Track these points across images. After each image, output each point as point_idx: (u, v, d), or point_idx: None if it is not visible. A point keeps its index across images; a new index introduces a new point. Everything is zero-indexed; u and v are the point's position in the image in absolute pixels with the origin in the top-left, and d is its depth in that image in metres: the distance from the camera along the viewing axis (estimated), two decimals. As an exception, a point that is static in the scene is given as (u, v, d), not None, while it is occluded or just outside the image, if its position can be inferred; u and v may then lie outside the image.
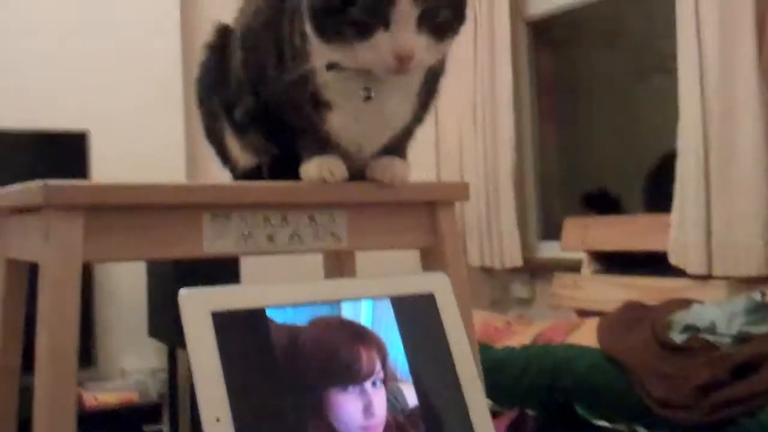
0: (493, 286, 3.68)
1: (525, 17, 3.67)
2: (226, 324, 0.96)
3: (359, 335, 1.04)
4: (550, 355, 2.46)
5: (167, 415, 3.17)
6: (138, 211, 1.03)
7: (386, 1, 0.98)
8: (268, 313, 0.99)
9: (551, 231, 3.60)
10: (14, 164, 2.98)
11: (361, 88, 1.07)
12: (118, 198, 1.02)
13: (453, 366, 1.09)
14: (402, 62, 1.00)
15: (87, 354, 2.94)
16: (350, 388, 1.00)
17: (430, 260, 1.21)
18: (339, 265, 1.40)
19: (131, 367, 3.25)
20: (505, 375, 2.46)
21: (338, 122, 1.10)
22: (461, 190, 1.23)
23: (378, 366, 1.03)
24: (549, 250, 3.57)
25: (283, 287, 1.02)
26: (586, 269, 3.18)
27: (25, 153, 3.00)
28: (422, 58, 1.03)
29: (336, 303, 1.03)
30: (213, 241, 1.07)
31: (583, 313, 3.02)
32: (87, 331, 2.93)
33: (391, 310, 1.07)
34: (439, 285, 1.12)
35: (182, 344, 2.83)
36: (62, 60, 3.16)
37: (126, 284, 3.15)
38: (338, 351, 1.01)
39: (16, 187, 1.09)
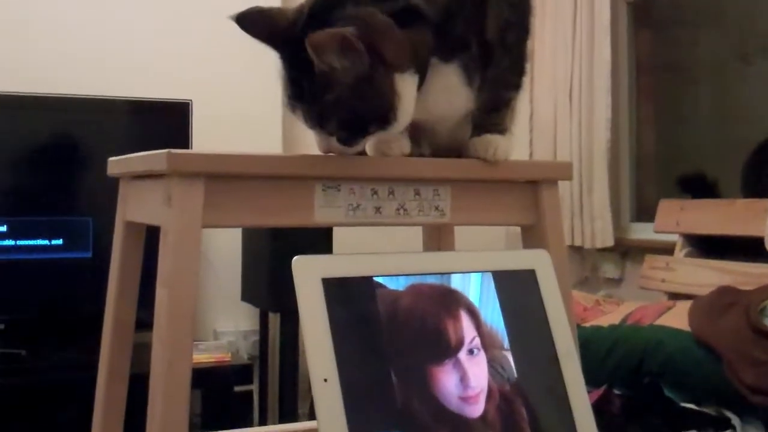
0: (583, 265, 3.66)
1: (626, -3, 3.63)
2: (336, 290, 1.01)
3: (451, 302, 1.07)
4: (638, 335, 2.45)
5: (257, 376, 3.27)
6: (254, 180, 1.08)
7: None
8: (376, 281, 1.04)
9: (644, 212, 3.56)
10: (121, 131, 3.10)
11: None
12: (237, 167, 1.07)
13: (551, 341, 1.11)
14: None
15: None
16: (446, 360, 1.03)
17: (531, 238, 1.23)
18: (438, 239, 1.43)
19: (224, 329, 3.36)
20: (591, 353, 2.46)
21: None
22: (564, 170, 1.25)
23: (472, 332, 1.06)
24: (641, 232, 3.53)
25: (392, 258, 1.06)
26: (679, 252, 3.14)
27: (131, 121, 3.12)
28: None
29: (445, 275, 1.06)
30: (323, 211, 1.11)
31: (674, 296, 2.99)
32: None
33: (493, 284, 1.10)
34: (540, 262, 1.14)
35: (273, 308, 2.90)
36: (167, 32, 3.27)
37: (221, 249, 3.25)
38: (430, 322, 1.04)
39: (140, 155, 1.15)
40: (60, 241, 2.91)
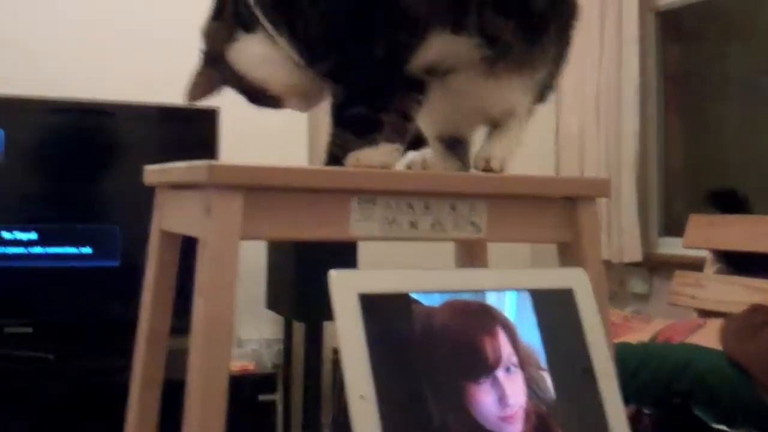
0: (610, 279, 3.63)
1: (654, 8, 3.60)
2: (373, 306, 1.00)
3: (487, 318, 1.06)
4: (668, 353, 2.43)
5: (281, 385, 3.27)
6: (292, 193, 1.08)
7: None
8: (413, 297, 1.03)
9: (672, 227, 3.54)
10: (149, 137, 3.12)
11: None
12: (275, 180, 1.07)
13: (589, 361, 1.10)
14: None
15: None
16: (483, 377, 1.02)
17: (568, 255, 1.22)
18: (471, 255, 1.42)
19: (248, 336, 3.37)
20: (619, 370, 2.43)
21: None
22: (602, 186, 1.24)
23: (509, 349, 1.05)
24: (669, 246, 3.51)
25: (428, 274, 1.06)
26: (709, 268, 3.11)
27: (160, 127, 3.14)
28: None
29: (481, 292, 1.06)
30: (359, 224, 1.11)
31: (704, 313, 2.96)
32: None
33: (530, 303, 1.09)
34: (578, 281, 1.13)
35: (298, 317, 2.90)
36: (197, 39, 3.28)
37: (246, 256, 3.22)
38: (467, 338, 1.04)
39: (179, 165, 1.15)
40: (88, 249, 2.92)
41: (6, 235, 2.85)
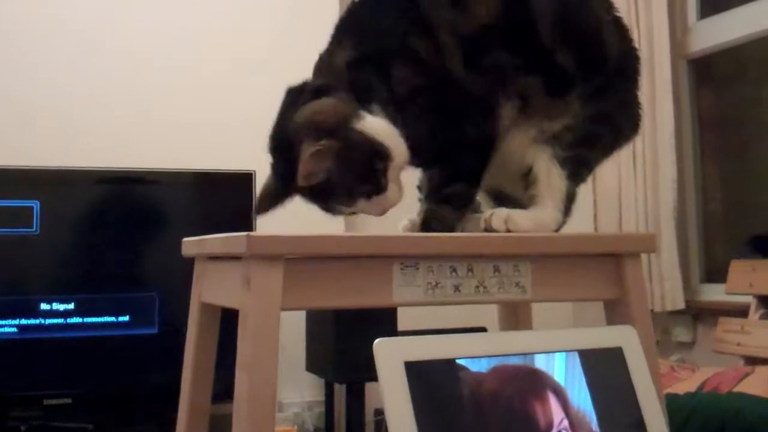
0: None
1: (685, 55, 3.59)
2: (419, 373, 0.98)
3: (537, 383, 1.04)
4: (717, 404, 2.36)
5: (323, 448, 3.23)
6: (333, 261, 1.07)
7: None
8: (459, 364, 1.01)
9: (713, 273, 3.47)
10: (185, 203, 3.13)
11: None
12: (315, 248, 1.06)
13: (642, 422, 1.07)
14: None
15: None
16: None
17: (615, 312, 1.19)
18: (515, 315, 1.40)
19: (289, 399, 3.33)
20: (669, 425, 2.37)
21: None
22: (649, 242, 1.22)
23: (560, 414, 1.02)
24: (712, 293, 3.44)
25: (474, 339, 1.04)
26: (754, 314, 3.04)
27: (196, 192, 3.15)
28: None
29: (529, 356, 1.03)
30: (402, 290, 1.09)
31: (751, 360, 2.89)
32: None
33: (579, 364, 1.06)
34: (626, 339, 1.11)
35: (339, 379, 2.86)
36: (230, 103, 3.32)
37: (285, 318, 3.23)
38: (517, 405, 1.01)
39: (218, 236, 1.15)
40: (126, 318, 2.92)
41: (44, 306, 2.86)
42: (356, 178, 1.16)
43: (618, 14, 1.36)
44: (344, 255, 1.07)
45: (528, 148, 1.24)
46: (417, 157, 1.22)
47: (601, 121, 1.27)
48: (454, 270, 1.12)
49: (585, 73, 1.25)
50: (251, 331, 1.02)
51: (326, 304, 1.09)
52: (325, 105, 1.17)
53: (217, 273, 1.21)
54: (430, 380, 0.99)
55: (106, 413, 2.89)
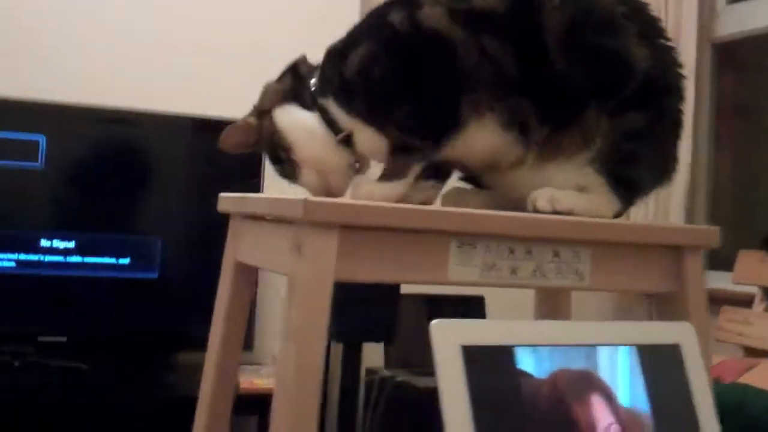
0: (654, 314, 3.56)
1: (711, 39, 3.52)
2: (476, 358, 0.94)
3: (588, 387, 1.00)
4: (719, 395, 2.34)
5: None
6: (388, 233, 1.02)
7: None
8: (517, 352, 0.96)
9: (719, 261, 3.45)
10: (190, 149, 3.05)
11: None
12: (372, 219, 1.00)
13: (696, 422, 1.04)
14: None
15: (247, 338, 2.99)
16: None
17: (670, 306, 1.15)
18: (554, 304, 1.35)
19: (281, 355, 3.29)
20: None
21: None
22: (712, 236, 1.17)
23: (609, 418, 0.99)
24: (716, 280, 3.42)
25: (534, 326, 1.00)
26: (758, 305, 3.03)
27: (201, 139, 3.06)
28: None
29: (591, 347, 0.99)
30: (457, 269, 1.04)
31: (751, 351, 2.88)
32: (249, 316, 2.98)
33: (638, 360, 1.03)
34: (685, 336, 1.06)
35: (336, 338, 2.81)
36: (239, 52, 3.24)
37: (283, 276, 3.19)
38: (569, 409, 0.97)
39: (264, 197, 1.10)
40: (126, 260, 2.87)
41: (44, 242, 2.80)
42: (270, 159, 1.25)
43: (659, 32, 1.21)
44: (401, 227, 1.02)
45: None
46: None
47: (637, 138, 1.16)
48: (512, 252, 1.07)
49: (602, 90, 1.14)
50: (300, 300, 0.97)
51: (380, 277, 1.04)
52: (270, 88, 1.27)
53: (259, 234, 1.16)
54: (487, 367, 0.95)
55: (100, 354, 2.85)
